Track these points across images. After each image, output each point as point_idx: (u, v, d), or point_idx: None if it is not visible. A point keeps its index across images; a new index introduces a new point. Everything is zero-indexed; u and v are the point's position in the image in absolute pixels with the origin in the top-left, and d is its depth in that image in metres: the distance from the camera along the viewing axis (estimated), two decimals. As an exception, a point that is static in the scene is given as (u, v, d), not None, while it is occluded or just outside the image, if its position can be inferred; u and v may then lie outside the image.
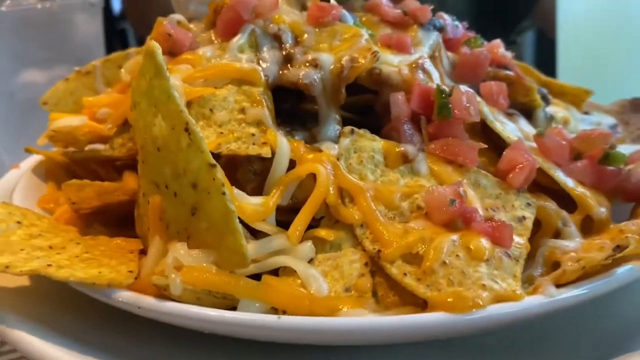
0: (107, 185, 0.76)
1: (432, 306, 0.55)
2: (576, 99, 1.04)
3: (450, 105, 0.71)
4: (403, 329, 0.53)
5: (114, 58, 1.11)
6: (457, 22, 0.91)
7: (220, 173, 0.59)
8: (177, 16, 0.88)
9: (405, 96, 0.74)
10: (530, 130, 0.83)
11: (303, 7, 0.89)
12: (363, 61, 0.72)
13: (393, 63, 0.78)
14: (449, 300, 0.54)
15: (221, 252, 0.59)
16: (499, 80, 0.85)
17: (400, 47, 0.80)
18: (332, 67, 0.72)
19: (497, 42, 0.89)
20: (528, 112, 0.90)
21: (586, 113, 1.02)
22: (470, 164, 0.69)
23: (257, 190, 0.68)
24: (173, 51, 0.78)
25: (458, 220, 0.62)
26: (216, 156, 0.65)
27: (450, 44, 0.89)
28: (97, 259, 0.65)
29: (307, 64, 0.72)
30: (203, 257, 0.59)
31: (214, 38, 0.81)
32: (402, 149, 0.70)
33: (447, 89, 0.72)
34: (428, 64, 0.78)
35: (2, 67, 1.21)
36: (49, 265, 0.61)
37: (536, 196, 0.72)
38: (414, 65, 0.78)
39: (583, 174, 0.75)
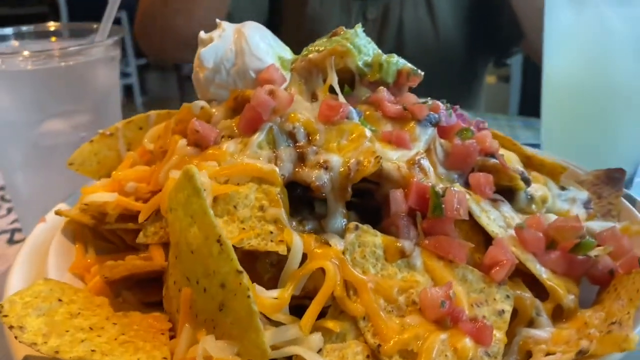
0: (138, 263, 0.86)
1: (424, 401, 0.66)
2: (554, 171, 1.14)
3: (443, 206, 0.81)
4: None
5: (136, 120, 1.20)
6: (450, 110, 1.01)
7: (245, 278, 0.69)
8: (201, 103, 0.98)
9: (403, 190, 0.85)
10: (513, 215, 0.94)
11: (313, 96, 0.99)
12: (367, 165, 0.82)
13: (392, 159, 0.88)
14: (438, 397, 0.65)
15: (244, 344, 0.69)
16: (487, 169, 0.96)
17: (399, 143, 0.90)
18: (340, 169, 0.82)
19: (486, 133, 0.99)
20: (511, 192, 1.01)
21: (563, 188, 1.13)
22: (460, 262, 0.80)
23: (273, 279, 0.78)
24: (199, 144, 0.88)
25: (447, 318, 0.72)
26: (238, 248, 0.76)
27: (443, 131, 0.99)
28: (133, 341, 0.75)
29: (319, 166, 0.82)
30: (228, 348, 0.69)
31: (235, 128, 0.90)
32: (400, 245, 0.80)
33: (440, 191, 0.83)
34: (424, 161, 0.88)
35: (29, 119, 1.30)
36: (93, 350, 0.71)
37: (514, 282, 0.83)
38: (411, 162, 0.88)
39: (556, 264, 0.86)
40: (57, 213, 1.04)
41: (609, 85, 1.48)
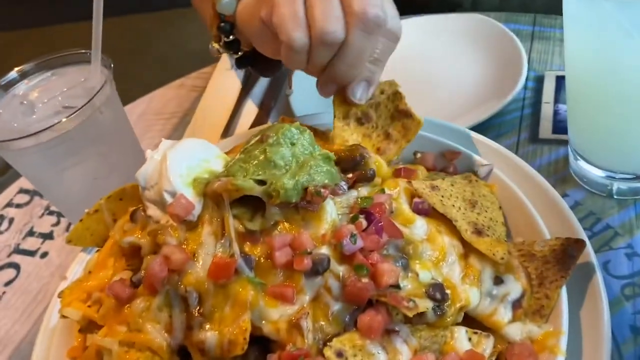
0: None
1: None
2: (493, 260, 1.10)
3: (301, 380, 0.91)
4: None
5: (113, 195, 1.34)
6: (355, 236, 1.01)
7: None
8: (130, 239, 1.10)
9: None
10: (402, 349, 0.98)
11: (224, 226, 1.05)
12: (239, 344, 0.93)
13: (274, 319, 0.96)
14: None
15: None
16: (380, 305, 0.99)
17: (284, 299, 0.96)
18: (215, 349, 0.94)
19: (385, 269, 0.98)
20: (422, 306, 1.02)
21: (499, 279, 1.09)
22: None
23: None
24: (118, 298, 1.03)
25: None
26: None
27: (347, 257, 1.01)
28: None
29: (198, 344, 0.95)
30: None
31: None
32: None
33: (303, 367, 0.91)
34: (303, 321, 0.95)
35: (51, 173, 1.51)
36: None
37: None
38: (293, 320, 0.95)
39: None
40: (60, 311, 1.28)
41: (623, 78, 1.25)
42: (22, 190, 2.12)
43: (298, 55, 1.16)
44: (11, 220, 2.01)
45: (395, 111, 1.33)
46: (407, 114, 1.32)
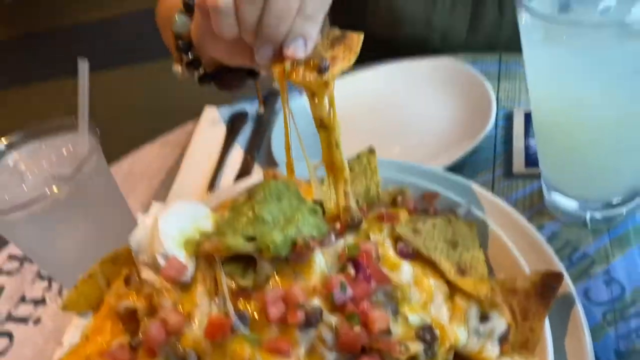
0: None
1: None
2: (479, 299, 1.14)
3: None
4: None
5: (107, 258, 1.37)
6: (345, 286, 1.05)
7: None
8: (126, 303, 1.13)
9: (282, 404, 0.97)
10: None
11: (217, 283, 1.09)
12: (237, 400, 0.96)
13: (272, 374, 0.99)
14: None
15: None
16: (373, 352, 1.02)
17: (280, 352, 1.00)
18: (216, 411, 0.97)
19: (376, 316, 1.02)
20: (414, 348, 1.06)
21: (485, 318, 1.13)
22: None
23: None
24: (118, 363, 1.06)
25: None
26: None
27: (338, 306, 1.05)
28: None
29: (199, 406, 0.97)
30: None
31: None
32: None
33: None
34: (298, 374, 0.98)
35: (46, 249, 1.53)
36: None
37: None
38: (288, 375, 0.98)
39: None
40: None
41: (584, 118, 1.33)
42: (11, 257, 2.13)
43: (226, 17, 1.13)
44: (1, 289, 2.01)
45: (332, 40, 1.22)
46: (344, 35, 1.22)
